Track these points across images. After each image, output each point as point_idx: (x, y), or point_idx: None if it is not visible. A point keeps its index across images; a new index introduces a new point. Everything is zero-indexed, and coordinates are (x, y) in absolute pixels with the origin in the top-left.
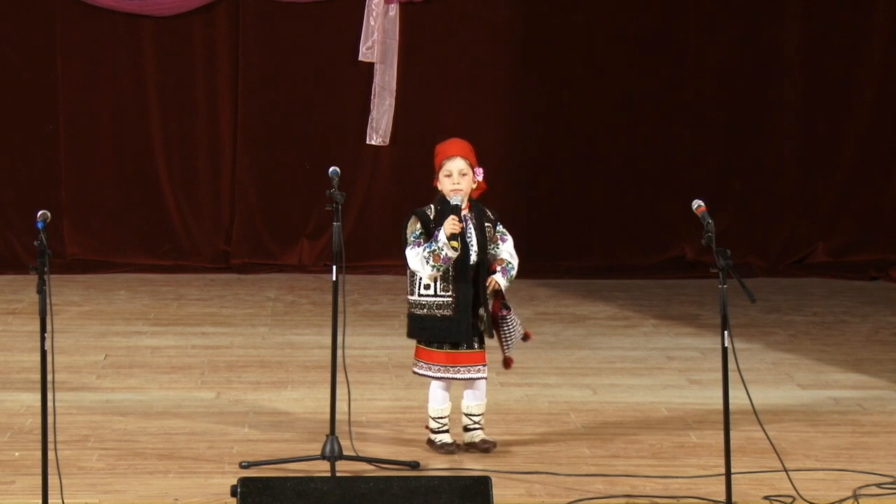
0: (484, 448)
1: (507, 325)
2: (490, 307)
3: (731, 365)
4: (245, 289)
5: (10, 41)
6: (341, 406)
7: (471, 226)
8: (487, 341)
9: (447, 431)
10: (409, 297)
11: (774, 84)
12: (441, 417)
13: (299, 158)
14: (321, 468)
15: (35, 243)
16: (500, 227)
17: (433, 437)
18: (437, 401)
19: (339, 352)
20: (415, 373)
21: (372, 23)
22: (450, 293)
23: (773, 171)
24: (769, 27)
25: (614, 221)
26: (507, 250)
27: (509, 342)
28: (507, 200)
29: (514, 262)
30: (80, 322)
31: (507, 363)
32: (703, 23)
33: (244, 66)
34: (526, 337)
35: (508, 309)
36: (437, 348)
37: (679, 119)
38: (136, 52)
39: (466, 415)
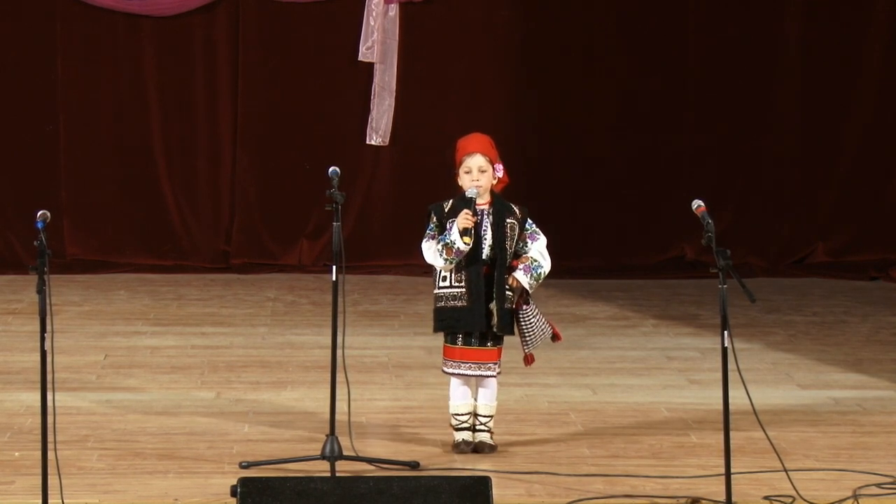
0: (479, 449)
1: (525, 320)
2: (513, 304)
3: (731, 365)
4: (245, 289)
5: (10, 41)
6: (341, 406)
7: (488, 221)
8: (509, 340)
9: (466, 429)
10: (434, 292)
11: (774, 84)
12: (458, 415)
13: (299, 158)
14: (321, 468)
15: (35, 243)
16: (530, 226)
17: (454, 434)
18: (454, 398)
19: (339, 352)
20: (442, 371)
21: (372, 23)
22: (462, 284)
23: (773, 171)
24: (769, 27)
25: (614, 221)
26: (536, 249)
27: (527, 338)
28: (505, 200)
29: (544, 262)
30: (80, 322)
31: (526, 360)
32: (703, 23)
33: (244, 66)
34: (555, 337)
35: (528, 304)
36: (452, 343)
37: (679, 119)
38: (136, 52)
39: (476, 415)
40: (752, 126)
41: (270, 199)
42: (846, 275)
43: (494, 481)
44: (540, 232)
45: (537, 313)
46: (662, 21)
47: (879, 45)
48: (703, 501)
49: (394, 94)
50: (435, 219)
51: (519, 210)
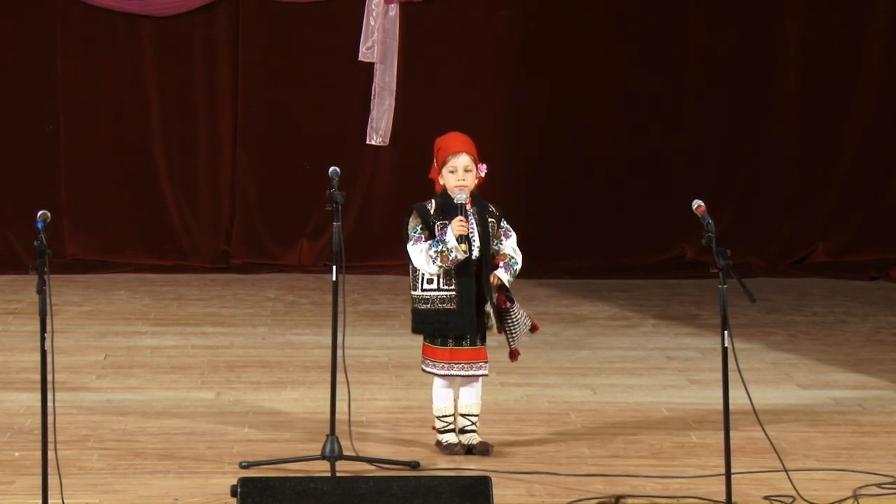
0: (483, 451)
1: (512, 318)
2: (495, 301)
3: (731, 365)
4: (245, 289)
5: (10, 41)
6: (341, 406)
7: (473, 221)
8: (489, 339)
9: (453, 431)
10: (413, 293)
11: (774, 84)
12: (446, 416)
13: (299, 158)
14: (321, 468)
15: (35, 243)
16: (504, 224)
17: (439, 437)
18: (440, 399)
19: (339, 352)
20: (423, 370)
21: (372, 23)
22: (452, 287)
23: (773, 171)
24: (769, 27)
25: (614, 221)
26: (510, 246)
27: (514, 334)
28: (506, 200)
29: (518, 257)
30: (80, 322)
31: (512, 355)
32: (703, 23)
33: (244, 66)
34: (534, 329)
35: (512, 301)
36: (440, 345)
37: (679, 119)
38: (136, 52)
39: (463, 415)
40: (752, 126)
41: (270, 199)
42: (846, 275)
43: (494, 481)
44: (511, 229)
45: (520, 309)
46: (662, 21)
47: (879, 45)
48: (627, 499)
49: (394, 94)
50: (420, 220)
51: (495, 208)
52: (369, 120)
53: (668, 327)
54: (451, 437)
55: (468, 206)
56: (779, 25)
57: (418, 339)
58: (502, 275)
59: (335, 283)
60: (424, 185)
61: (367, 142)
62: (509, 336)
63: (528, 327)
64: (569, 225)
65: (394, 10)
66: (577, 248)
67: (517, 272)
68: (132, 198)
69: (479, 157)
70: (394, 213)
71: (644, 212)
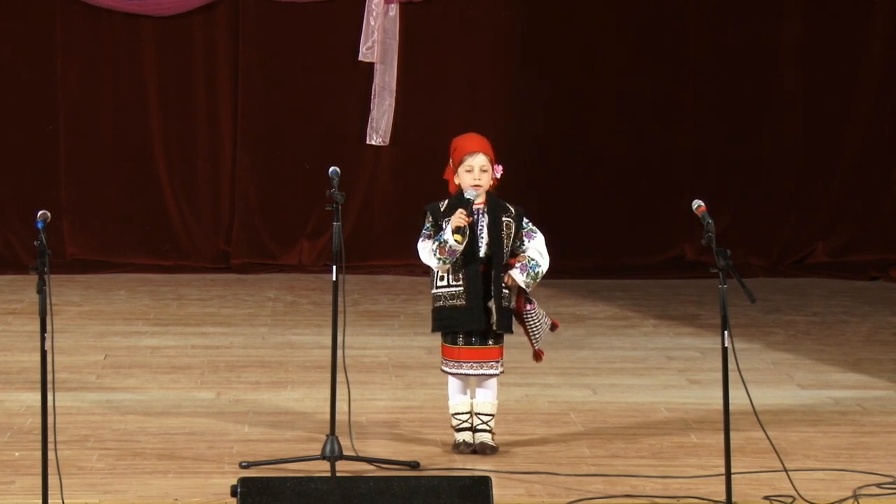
0: (481, 451)
1: (532, 319)
2: (514, 304)
3: (731, 365)
4: (245, 289)
5: (10, 41)
6: (341, 406)
7: (484, 220)
8: (508, 338)
9: (467, 430)
10: (432, 291)
11: (774, 84)
12: (458, 414)
13: (299, 158)
14: (321, 468)
15: (35, 243)
16: (527, 224)
17: (455, 435)
18: (453, 398)
19: (339, 352)
20: (441, 370)
21: (372, 23)
22: (460, 283)
23: (773, 171)
24: (769, 27)
25: (614, 221)
26: (534, 248)
27: (537, 335)
28: (506, 200)
29: (542, 260)
30: (80, 322)
31: (537, 356)
32: (703, 23)
33: (244, 66)
34: (553, 327)
35: (532, 303)
36: (452, 343)
37: (679, 119)
38: (136, 52)
39: (475, 413)
40: (751, 126)
41: (270, 199)
42: (846, 275)
43: (494, 481)
44: (537, 230)
45: (539, 309)
46: (662, 21)
47: (879, 45)
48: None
49: (394, 94)
50: (431, 219)
51: (514, 209)
52: (369, 120)
53: (668, 327)
54: (464, 436)
55: (481, 206)
56: (778, 26)
57: (418, 339)
58: (517, 276)
59: (335, 283)
60: (424, 185)
61: (367, 142)
62: (531, 337)
63: (549, 326)
64: (569, 225)
65: (394, 10)
66: (577, 248)
67: (539, 275)
68: (132, 198)
69: (496, 159)
70: (394, 213)
71: (644, 212)
